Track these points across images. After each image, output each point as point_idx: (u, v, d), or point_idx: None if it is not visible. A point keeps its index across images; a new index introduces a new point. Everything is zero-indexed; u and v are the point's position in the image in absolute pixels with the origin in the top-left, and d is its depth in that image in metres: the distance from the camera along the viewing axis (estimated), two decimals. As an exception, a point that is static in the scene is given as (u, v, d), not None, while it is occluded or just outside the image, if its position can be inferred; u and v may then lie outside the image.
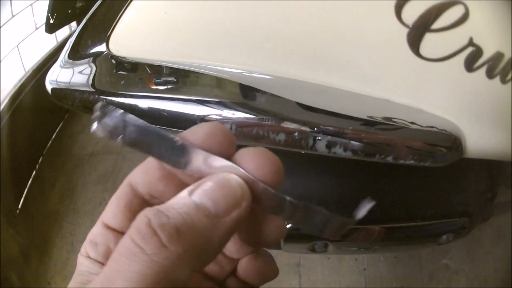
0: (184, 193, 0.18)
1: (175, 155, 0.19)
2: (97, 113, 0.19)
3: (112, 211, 0.21)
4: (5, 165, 1.22)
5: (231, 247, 0.24)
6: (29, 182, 1.37)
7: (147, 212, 0.17)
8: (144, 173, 0.21)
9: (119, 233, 0.21)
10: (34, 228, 1.23)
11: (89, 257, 0.21)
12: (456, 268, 1.01)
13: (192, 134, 0.20)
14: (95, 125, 0.19)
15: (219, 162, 0.19)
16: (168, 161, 0.19)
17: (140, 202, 0.21)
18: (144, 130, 0.19)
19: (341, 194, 0.57)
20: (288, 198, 0.20)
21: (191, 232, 0.17)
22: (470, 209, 0.59)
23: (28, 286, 1.08)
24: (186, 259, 0.17)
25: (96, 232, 0.21)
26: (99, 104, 0.19)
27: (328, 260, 1.05)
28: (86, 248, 0.21)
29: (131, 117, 0.19)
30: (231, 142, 0.20)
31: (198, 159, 0.19)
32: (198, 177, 0.19)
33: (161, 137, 0.19)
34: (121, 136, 0.19)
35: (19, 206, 1.30)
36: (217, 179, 0.19)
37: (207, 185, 0.18)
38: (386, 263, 1.03)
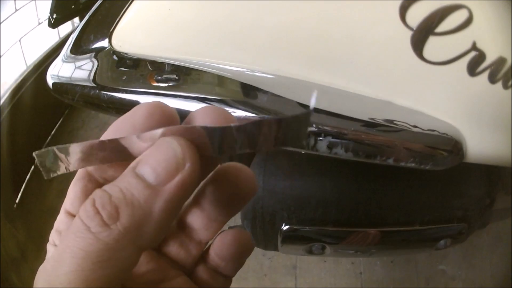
0: (129, 167, 0.18)
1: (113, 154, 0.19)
2: (38, 162, 0.20)
3: (70, 197, 0.21)
4: (4, 159, 1.21)
5: (198, 224, 0.23)
6: (28, 177, 1.37)
7: (95, 192, 0.18)
8: None
9: None
10: (31, 223, 1.23)
11: (55, 245, 0.21)
12: (452, 274, 1.01)
13: (130, 116, 0.19)
14: (45, 175, 0.20)
15: (148, 135, 0.18)
16: (112, 160, 0.20)
17: (95, 186, 0.21)
18: (79, 147, 0.20)
19: (340, 195, 0.56)
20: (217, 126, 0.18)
21: (130, 208, 0.17)
22: (468, 215, 0.59)
23: (25, 281, 1.07)
24: (127, 236, 0.17)
25: (60, 220, 0.21)
26: (34, 155, 0.20)
27: (324, 263, 1.04)
28: (53, 236, 0.21)
29: (60, 148, 0.20)
30: (172, 120, 0.19)
31: (132, 145, 0.19)
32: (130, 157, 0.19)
33: (93, 146, 0.19)
34: (65, 167, 0.20)
35: (17, 201, 1.30)
36: (156, 145, 0.18)
37: (147, 153, 0.18)
38: (383, 267, 1.03)
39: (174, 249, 0.23)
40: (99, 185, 0.21)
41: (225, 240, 0.23)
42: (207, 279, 0.23)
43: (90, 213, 0.17)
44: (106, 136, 0.20)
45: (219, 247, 0.23)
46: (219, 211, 0.22)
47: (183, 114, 0.44)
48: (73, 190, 0.21)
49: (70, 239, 0.17)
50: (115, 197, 0.17)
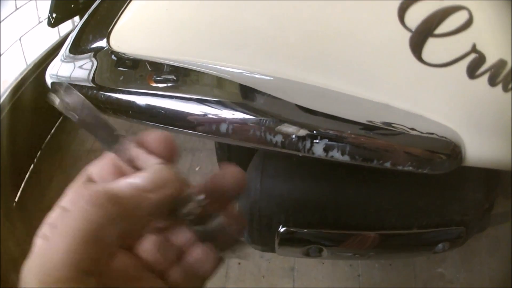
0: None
1: (110, 142, 0.24)
2: (61, 91, 0.23)
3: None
4: (4, 157, 1.22)
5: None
6: (27, 176, 1.37)
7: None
8: (100, 168, 0.25)
9: None
10: (30, 222, 1.23)
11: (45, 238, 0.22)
12: (450, 278, 1.01)
13: (143, 138, 0.24)
14: (57, 101, 0.23)
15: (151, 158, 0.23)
16: (104, 144, 0.24)
17: None
18: (95, 116, 0.24)
19: (338, 198, 0.56)
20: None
21: (123, 199, 0.21)
22: (467, 219, 0.59)
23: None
24: (116, 219, 0.20)
25: (56, 216, 0.23)
26: (64, 84, 0.24)
27: (322, 265, 1.04)
28: (44, 230, 0.22)
29: (88, 103, 0.24)
30: (173, 148, 0.25)
31: (128, 151, 0.24)
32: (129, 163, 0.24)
33: (105, 125, 0.24)
34: (77, 116, 0.23)
35: (16, 199, 1.30)
36: (150, 167, 0.23)
37: (142, 171, 0.23)
38: (381, 270, 1.03)
39: (150, 253, 0.26)
40: None
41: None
42: (180, 280, 0.25)
43: (90, 196, 0.20)
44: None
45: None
46: None
47: (180, 116, 0.44)
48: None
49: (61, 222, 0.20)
50: (113, 189, 0.21)
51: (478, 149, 0.46)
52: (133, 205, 0.21)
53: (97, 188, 0.21)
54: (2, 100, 1.30)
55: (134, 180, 0.22)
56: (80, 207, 0.20)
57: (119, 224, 0.20)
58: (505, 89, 0.43)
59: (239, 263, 1.04)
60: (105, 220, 0.20)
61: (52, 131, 1.53)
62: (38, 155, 1.44)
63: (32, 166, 1.40)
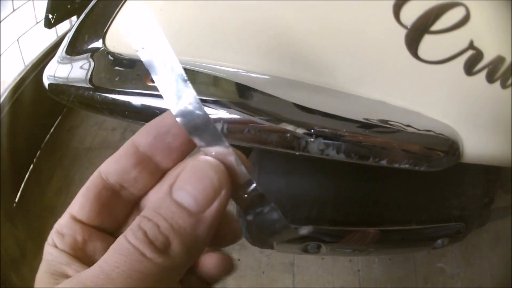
0: (164, 190, 0.19)
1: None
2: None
3: (80, 203, 0.22)
4: (4, 158, 1.22)
5: None
6: (27, 175, 1.37)
7: (141, 222, 0.18)
8: (116, 162, 0.22)
9: (86, 225, 0.22)
10: (31, 221, 1.23)
11: (56, 246, 0.21)
12: (451, 272, 1.01)
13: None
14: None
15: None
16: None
17: (110, 193, 0.22)
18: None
19: (336, 194, 0.56)
20: (255, 184, 0.20)
21: (180, 236, 0.18)
22: (466, 214, 0.59)
23: (25, 281, 1.07)
24: (180, 259, 0.18)
25: (63, 223, 0.22)
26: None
27: (322, 260, 1.04)
28: (54, 238, 0.21)
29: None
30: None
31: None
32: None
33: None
34: None
35: (16, 199, 1.30)
36: (192, 170, 0.19)
37: (184, 178, 0.19)
38: (381, 265, 1.03)
39: None
40: (114, 192, 0.22)
41: (208, 262, 0.24)
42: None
43: (144, 242, 0.18)
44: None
45: (205, 267, 0.24)
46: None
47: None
48: (85, 195, 0.22)
49: (121, 261, 0.17)
50: (163, 228, 0.18)
51: (477, 146, 0.46)
52: (194, 236, 0.18)
53: (154, 232, 0.18)
54: (1, 100, 1.30)
55: (180, 199, 0.18)
56: (140, 251, 0.18)
57: (184, 262, 0.19)
58: (504, 86, 0.43)
59: (239, 259, 1.04)
60: (170, 264, 0.18)
61: (51, 129, 1.53)
62: (37, 154, 1.45)
63: (32, 165, 1.41)
